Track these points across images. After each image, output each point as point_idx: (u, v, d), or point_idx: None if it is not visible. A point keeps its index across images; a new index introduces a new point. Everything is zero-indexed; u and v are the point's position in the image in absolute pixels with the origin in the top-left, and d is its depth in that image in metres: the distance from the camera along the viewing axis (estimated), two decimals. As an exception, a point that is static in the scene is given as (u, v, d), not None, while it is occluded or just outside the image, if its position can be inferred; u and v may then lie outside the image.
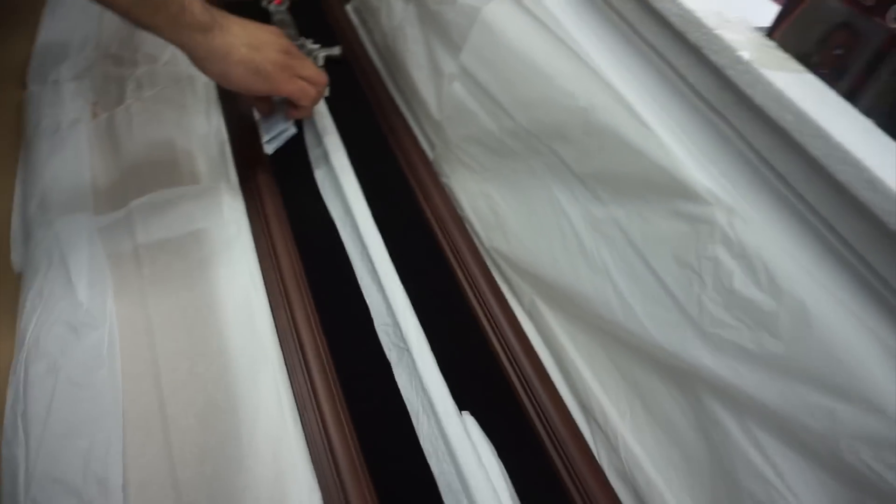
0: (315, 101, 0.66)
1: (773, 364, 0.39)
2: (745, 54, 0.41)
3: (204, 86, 0.80)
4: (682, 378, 0.46)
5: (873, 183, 0.34)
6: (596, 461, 0.52)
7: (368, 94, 0.85)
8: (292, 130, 0.73)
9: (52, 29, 0.85)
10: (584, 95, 0.52)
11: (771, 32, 0.50)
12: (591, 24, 0.55)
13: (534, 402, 0.55)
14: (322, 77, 0.65)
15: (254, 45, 0.57)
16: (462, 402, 0.53)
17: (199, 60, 0.55)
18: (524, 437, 0.54)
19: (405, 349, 0.56)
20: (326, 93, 0.82)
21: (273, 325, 0.57)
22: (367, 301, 0.61)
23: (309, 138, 0.76)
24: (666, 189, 0.46)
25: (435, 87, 0.74)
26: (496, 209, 0.65)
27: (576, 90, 0.53)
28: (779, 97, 0.38)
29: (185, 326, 0.56)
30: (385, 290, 0.60)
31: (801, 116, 0.37)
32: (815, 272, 0.38)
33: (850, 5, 0.46)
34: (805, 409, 0.37)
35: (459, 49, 0.67)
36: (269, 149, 0.71)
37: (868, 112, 0.43)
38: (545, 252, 0.58)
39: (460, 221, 0.68)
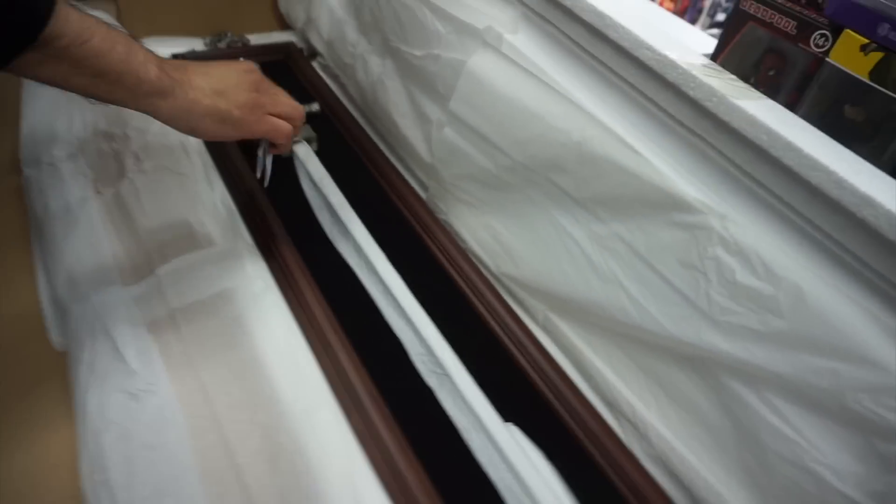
0: (290, 136, 0.64)
1: (779, 339, 0.47)
2: (719, 88, 0.49)
3: (197, 153, 0.84)
4: (700, 364, 0.54)
5: (840, 182, 0.43)
6: (629, 451, 0.59)
7: (352, 144, 0.90)
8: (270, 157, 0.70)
9: (35, 113, 0.86)
10: (577, 131, 0.59)
11: (714, 59, 0.60)
12: (572, 69, 0.63)
13: (564, 405, 0.62)
14: (296, 110, 0.64)
15: (218, 91, 0.56)
16: (503, 416, 0.59)
17: (166, 122, 0.54)
18: (562, 439, 0.60)
19: (444, 374, 0.61)
20: (316, 143, 0.87)
21: (319, 368, 0.61)
22: (399, 336, 0.66)
23: (308, 191, 0.81)
24: (662, 204, 0.54)
25: (422, 133, 0.80)
26: (500, 238, 0.72)
27: (568, 127, 0.60)
28: (752, 121, 0.47)
29: (236, 380, 0.59)
30: (414, 324, 0.65)
31: (773, 135, 0.46)
32: (802, 259, 0.46)
33: (776, 34, 0.56)
34: (812, 372, 0.45)
35: (445, 97, 0.74)
36: (266, 182, 0.69)
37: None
38: (555, 271, 0.65)
39: (465, 253, 0.75)
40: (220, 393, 0.58)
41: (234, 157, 0.81)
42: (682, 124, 0.54)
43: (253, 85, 0.59)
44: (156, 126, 0.86)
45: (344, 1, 0.95)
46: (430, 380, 0.62)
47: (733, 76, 0.54)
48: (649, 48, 0.53)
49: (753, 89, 0.52)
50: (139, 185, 0.76)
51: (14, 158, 0.80)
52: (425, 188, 0.84)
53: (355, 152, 0.89)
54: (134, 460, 0.52)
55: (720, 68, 0.55)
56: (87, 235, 0.69)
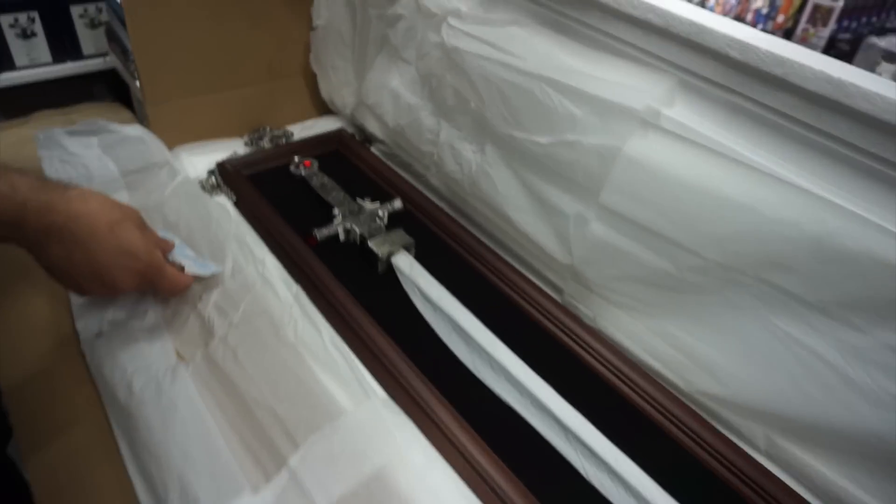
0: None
1: None
2: None
3: (282, 280, 0.70)
4: None
5: None
6: None
7: (455, 244, 0.78)
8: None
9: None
10: (813, 222, 0.48)
11: None
12: (774, 145, 0.52)
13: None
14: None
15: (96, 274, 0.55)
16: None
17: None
18: None
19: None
20: (413, 249, 0.74)
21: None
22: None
23: (425, 310, 0.68)
24: (959, 308, 0.43)
25: (552, 229, 0.68)
26: (687, 349, 0.60)
27: (796, 218, 0.49)
28: None
29: None
30: (630, 486, 0.52)
31: None
32: None
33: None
34: None
35: (587, 188, 0.63)
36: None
37: None
38: (787, 389, 0.53)
39: (640, 368, 0.62)
40: None
41: (333, 287, 0.68)
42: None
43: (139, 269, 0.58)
44: (228, 265, 0.72)
45: (411, 83, 0.83)
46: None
47: None
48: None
49: None
50: (232, 342, 0.62)
51: (64, 326, 0.66)
52: (558, 290, 0.72)
53: (458, 252, 0.77)
54: None
55: None
56: (192, 427, 0.55)
